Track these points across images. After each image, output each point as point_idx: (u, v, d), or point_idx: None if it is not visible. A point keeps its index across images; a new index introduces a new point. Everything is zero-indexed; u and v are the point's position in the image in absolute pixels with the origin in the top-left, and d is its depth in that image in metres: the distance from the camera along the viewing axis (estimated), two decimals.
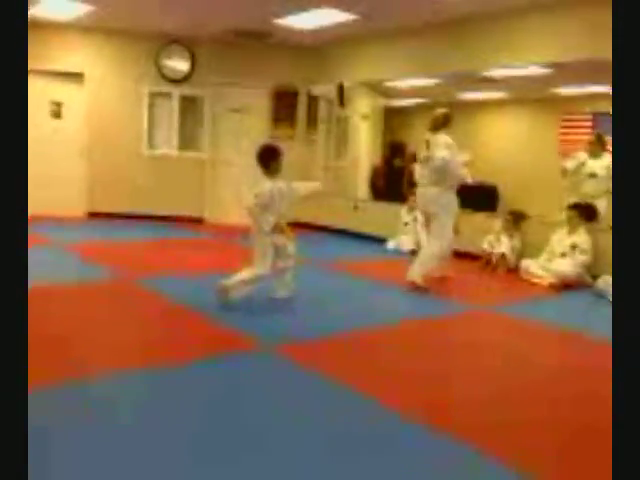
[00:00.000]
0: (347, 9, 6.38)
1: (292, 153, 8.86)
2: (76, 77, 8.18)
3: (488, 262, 5.94)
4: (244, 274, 3.92)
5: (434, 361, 3.28)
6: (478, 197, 7.00)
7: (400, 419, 2.43)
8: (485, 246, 6.01)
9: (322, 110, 8.60)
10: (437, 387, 2.88)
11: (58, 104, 8.29)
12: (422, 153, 4.94)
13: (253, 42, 8.10)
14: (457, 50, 6.63)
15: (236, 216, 8.66)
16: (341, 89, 7.99)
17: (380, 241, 7.11)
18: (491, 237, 6.02)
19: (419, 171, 5.02)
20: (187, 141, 8.61)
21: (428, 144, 4.87)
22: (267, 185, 3.88)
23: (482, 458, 2.15)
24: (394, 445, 2.22)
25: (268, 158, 3.94)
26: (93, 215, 8.25)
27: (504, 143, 10.96)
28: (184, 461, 2.00)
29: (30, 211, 7.96)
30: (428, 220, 5.29)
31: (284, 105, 8.73)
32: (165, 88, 8.40)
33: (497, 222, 6.09)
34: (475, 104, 11.12)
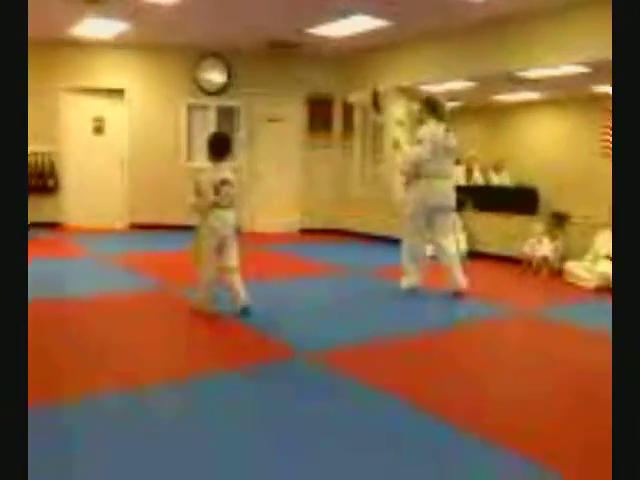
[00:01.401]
0: (379, 15, 6.40)
1: (328, 161, 8.93)
2: (117, 93, 8.43)
3: (530, 265, 5.83)
4: (238, 280, 4.00)
5: (474, 367, 3.24)
6: (518, 200, 6.89)
7: (439, 424, 2.41)
8: (526, 249, 5.90)
9: (357, 117, 8.62)
10: (479, 391, 2.84)
11: (100, 120, 8.55)
12: (451, 143, 4.65)
13: (287, 52, 8.19)
14: (493, 51, 6.55)
15: (265, 224, 8.77)
16: (375, 95, 7.99)
17: None
18: (533, 240, 5.90)
19: (442, 162, 4.65)
20: None
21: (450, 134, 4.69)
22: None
23: (523, 461, 2.12)
24: (433, 448, 2.21)
25: (226, 148, 3.96)
26: (135, 226, 8.47)
27: (544, 144, 10.76)
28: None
29: (76, 223, 8.24)
30: (431, 221, 4.74)
31: (319, 113, 8.79)
32: (202, 100, 8.57)
33: (538, 225, 5.97)
34: (513, 106, 10.96)
